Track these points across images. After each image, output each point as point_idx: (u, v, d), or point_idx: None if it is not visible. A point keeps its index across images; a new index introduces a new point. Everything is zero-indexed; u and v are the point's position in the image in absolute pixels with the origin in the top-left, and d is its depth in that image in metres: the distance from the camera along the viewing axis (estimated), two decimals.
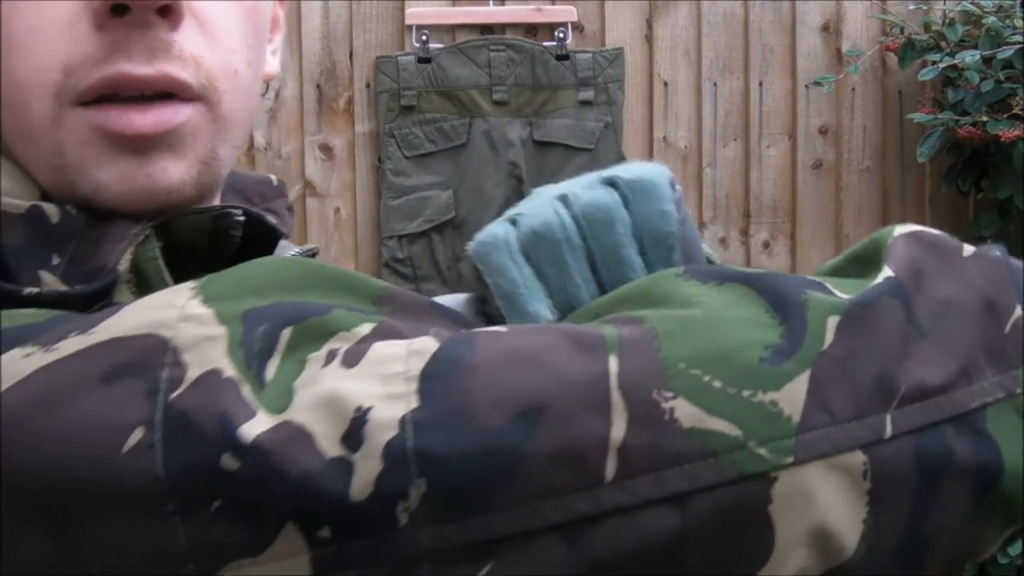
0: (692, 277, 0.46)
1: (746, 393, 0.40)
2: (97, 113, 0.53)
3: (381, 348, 0.42)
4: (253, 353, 0.42)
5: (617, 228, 0.51)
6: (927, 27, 2.69)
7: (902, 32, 2.71)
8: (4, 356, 0.42)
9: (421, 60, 2.68)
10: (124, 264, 0.52)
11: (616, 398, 0.40)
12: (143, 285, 0.53)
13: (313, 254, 0.66)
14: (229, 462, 0.39)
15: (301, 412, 0.40)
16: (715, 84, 2.80)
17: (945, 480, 0.42)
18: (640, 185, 0.52)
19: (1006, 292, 0.47)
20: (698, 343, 0.41)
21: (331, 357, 0.42)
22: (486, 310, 0.53)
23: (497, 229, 0.53)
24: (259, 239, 0.59)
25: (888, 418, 0.42)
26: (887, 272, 0.45)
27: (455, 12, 2.74)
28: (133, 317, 0.43)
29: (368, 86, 2.70)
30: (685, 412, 0.40)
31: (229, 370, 0.41)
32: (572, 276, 0.51)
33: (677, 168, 2.81)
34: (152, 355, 0.41)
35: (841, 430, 0.41)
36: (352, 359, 0.42)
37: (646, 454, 0.40)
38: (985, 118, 2.55)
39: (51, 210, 0.54)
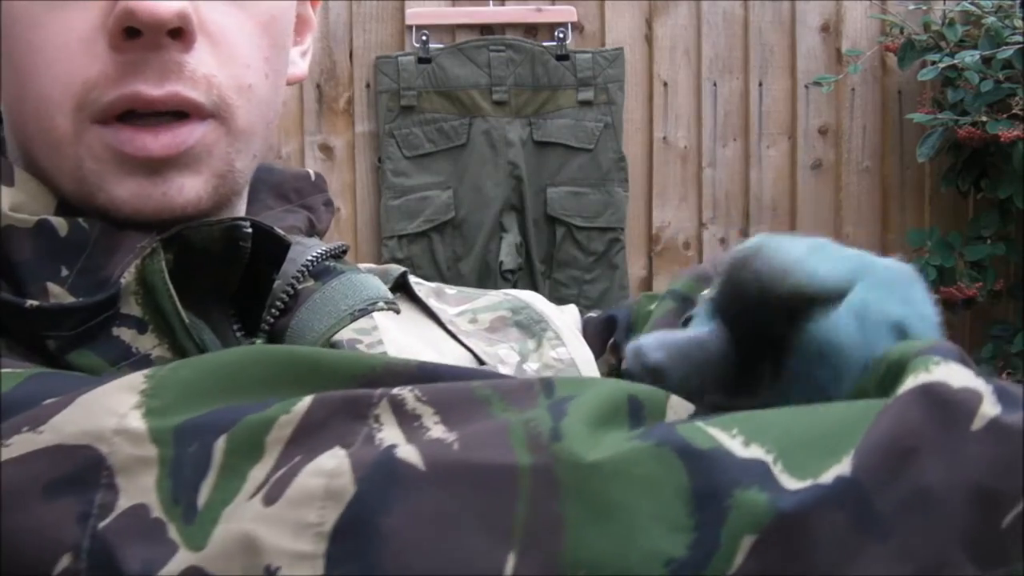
0: (634, 429, 0.44)
1: None
2: (112, 133, 0.55)
3: (302, 483, 0.42)
4: (182, 481, 0.43)
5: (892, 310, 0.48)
6: (927, 27, 2.69)
7: (902, 32, 2.71)
8: None
9: (421, 60, 2.68)
10: (128, 277, 0.54)
11: None
12: (149, 297, 0.54)
13: (344, 251, 0.66)
14: None
15: (215, 559, 0.41)
16: (715, 84, 2.80)
17: None
18: (899, 275, 0.50)
19: (1013, 477, 0.40)
20: (600, 549, 0.40)
21: (260, 476, 0.42)
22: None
23: None
24: (271, 248, 0.60)
25: None
26: (842, 468, 0.40)
27: (455, 12, 2.74)
28: (78, 419, 0.44)
29: (368, 86, 2.71)
30: None
31: (156, 509, 0.42)
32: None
33: (677, 168, 2.81)
34: (88, 472, 0.43)
35: None
36: (274, 493, 0.42)
37: None
38: (985, 118, 2.55)
39: (60, 223, 0.55)
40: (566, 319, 0.74)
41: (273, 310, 0.61)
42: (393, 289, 0.67)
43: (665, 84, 2.79)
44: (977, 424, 0.41)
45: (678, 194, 2.82)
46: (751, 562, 0.39)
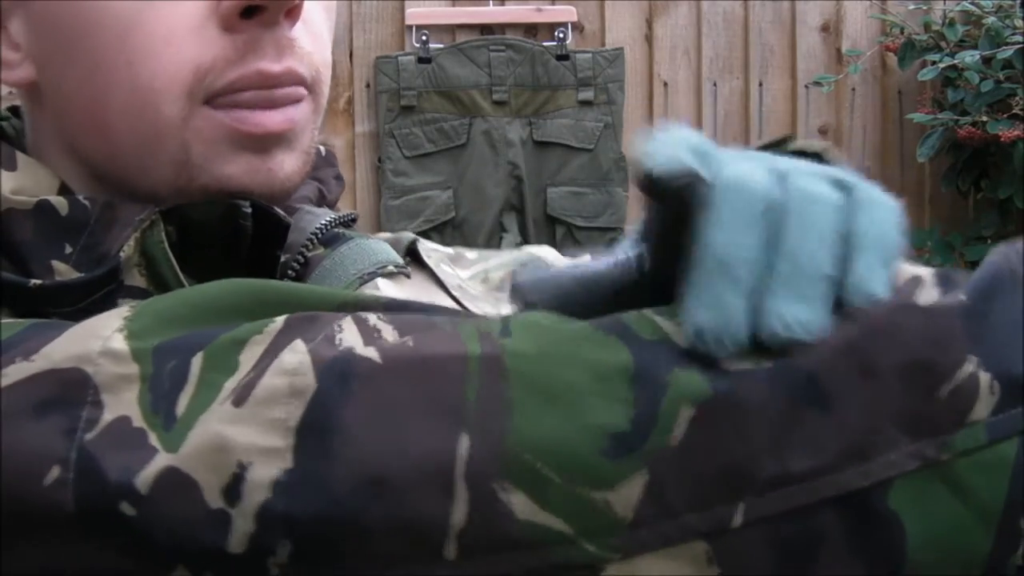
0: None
1: (579, 490, 0.42)
2: (229, 115, 0.57)
3: (268, 383, 0.44)
4: (162, 393, 0.45)
5: (828, 216, 0.46)
6: (927, 27, 2.69)
7: (902, 32, 2.71)
8: None
9: (421, 60, 2.68)
10: (128, 250, 0.56)
11: (459, 485, 0.42)
12: (152, 269, 0.56)
13: (353, 219, 0.68)
14: (126, 508, 0.43)
15: (189, 459, 0.43)
16: (715, 84, 2.80)
17: (820, 555, 0.42)
18: (876, 201, 0.48)
19: (949, 349, 0.42)
20: (547, 426, 0.42)
21: (232, 385, 0.45)
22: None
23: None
24: (274, 228, 0.62)
25: (739, 507, 0.42)
26: (793, 359, 0.42)
27: (455, 12, 2.74)
28: (66, 345, 0.47)
29: (368, 86, 2.71)
30: (521, 505, 0.42)
31: (138, 419, 0.45)
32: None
33: None
34: (75, 391, 0.46)
35: (676, 524, 0.42)
36: (243, 395, 0.44)
37: (484, 541, 0.42)
38: (985, 118, 2.55)
39: (60, 203, 0.57)
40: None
41: (285, 279, 0.62)
42: (404, 257, 0.69)
43: (665, 84, 2.79)
44: (924, 302, 0.43)
45: None
46: (690, 434, 0.41)
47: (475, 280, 0.73)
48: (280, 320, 0.46)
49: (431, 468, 0.42)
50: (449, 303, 0.68)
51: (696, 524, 0.42)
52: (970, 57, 2.53)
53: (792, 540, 0.42)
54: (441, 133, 2.69)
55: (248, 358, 0.45)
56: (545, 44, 2.72)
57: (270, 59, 0.57)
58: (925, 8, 2.72)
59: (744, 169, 0.44)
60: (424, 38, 2.69)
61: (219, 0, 0.56)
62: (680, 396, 0.42)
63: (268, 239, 0.62)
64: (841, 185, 0.47)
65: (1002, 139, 2.53)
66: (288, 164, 0.60)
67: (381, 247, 0.66)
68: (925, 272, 0.45)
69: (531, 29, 2.75)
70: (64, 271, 0.56)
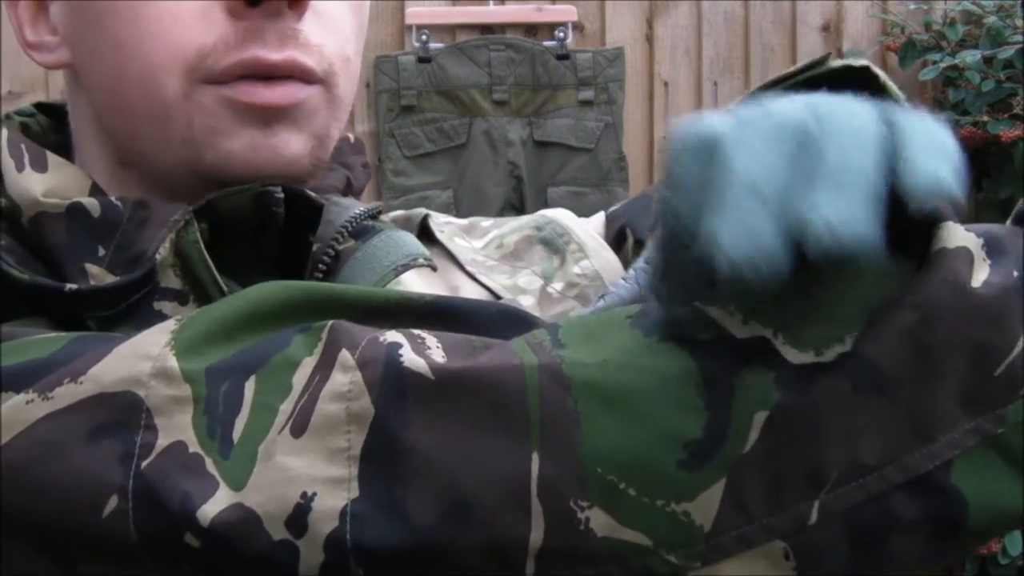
0: (637, 327, 0.45)
1: (659, 503, 0.42)
2: (229, 88, 0.58)
3: (323, 410, 0.44)
4: (216, 417, 0.45)
5: (861, 120, 0.42)
6: (928, 27, 2.69)
7: (903, 32, 2.71)
8: (8, 404, 0.47)
9: (421, 60, 2.67)
10: (163, 251, 0.56)
11: (536, 505, 0.42)
12: (187, 269, 0.56)
13: (379, 211, 0.68)
14: (191, 540, 0.43)
15: (253, 493, 0.43)
16: (715, 84, 2.80)
17: (892, 538, 0.43)
18: (920, 119, 0.45)
19: (1006, 328, 0.43)
20: (619, 436, 0.42)
21: (288, 409, 0.45)
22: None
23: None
24: (305, 212, 0.62)
25: (815, 504, 0.42)
26: (844, 347, 0.42)
27: (455, 12, 2.74)
28: (115, 366, 0.47)
29: (368, 86, 2.70)
30: (600, 522, 0.42)
31: (194, 444, 0.45)
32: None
33: None
34: (128, 415, 0.46)
35: (756, 527, 0.42)
36: (301, 422, 0.44)
37: (563, 557, 0.42)
38: (986, 118, 2.55)
39: (92, 204, 0.57)
40: (589, 227, 0.74)
41: (317, 273, 0.62)
42: (419, 236, 0.69)
43: (666, 84, 2.79)
44: (976, 283, 0.43)
45: None
46: (764, 439, 0.42)
47: (490, 247, 0.73)
48: (325, 334, 0.46)
49: (508, 489, 0.42)
50: (464, 278, 0.68)
51: (775, 525, 0.42)
52: (971, 57, 2.53)
53: (865, 527, 0.43)
54: (441, 133, 2.68)
55: (300, 378, 0.45)
56: (545, 44, 2.72)
57: (270, 48, 0.58)
58: (926, 8, 2.71)
59: (771, 103, 0.42)
60: (424, 38, 2.68)
61: None
62: (751, 401, 0.42)
63: (299, 225, 0.62)
64: (885, 119, 0.43)
65: (1003, 139, 2.52)
66: (294, 144, 0.60)
67: (409, 239, 0.66)
68: (973, 243, 0.44)
69: (531, 29, 2.75)
70: (98, 274, 0.56)
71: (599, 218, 0.77)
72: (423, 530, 0.42)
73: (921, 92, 2.78)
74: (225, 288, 0.56)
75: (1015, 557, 2.54)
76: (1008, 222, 0.48)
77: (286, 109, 0.59)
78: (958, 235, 0.45)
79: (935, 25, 2.67)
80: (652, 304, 0.46)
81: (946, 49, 2.63)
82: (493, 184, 2.68)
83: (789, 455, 0.42)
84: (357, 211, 0.64)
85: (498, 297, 0.67)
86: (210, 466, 0.44)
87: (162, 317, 0.55)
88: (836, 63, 0.54)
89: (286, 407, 0.45)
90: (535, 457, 0.42)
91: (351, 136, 0.73)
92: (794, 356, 0.43)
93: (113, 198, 0.58)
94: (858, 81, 0.53)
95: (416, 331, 0.47)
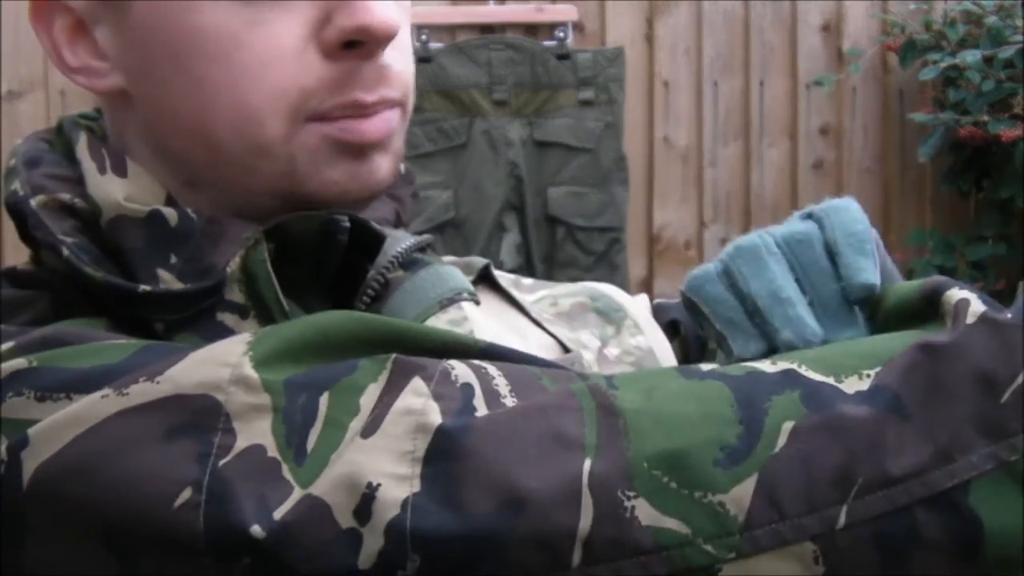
0: (681, 375, 0.51)
1: (697, 494, 0.46)
2: (332, 126, 0.60)
3: (394, 419, 0.48)
4: (294, 427, 0.48)
5: (815, 246, 0.60)
6: (928, 26, 2.69)
7: (903, 31, 2.71)
8: (86, 399, 0.50)
9: (421, 60, 2.67)
10: (233, 266, 0.58)
11: (586, 496, 0.46)
12: (251, 285, 0.58)
13: (429, 244, 0.71)
14: (258, 532, 0.46)
15: (323, 485, 0.46)
16: (715, 84, 2.80)
17: (915, 554, 0.47)
18: (832, 207, 0.61)
19: (1008, 361, 0.48)
20: (663, 441, 0.47)
21: (358, 426, 0.48)
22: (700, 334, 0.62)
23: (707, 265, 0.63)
24: (365, 239, 0.64)
25: (843, 509, 0.46)
26: (875, 382, 0.49)
27: (455, 12, 2.74)
28: (193, 370, 0.49)
29: None
30: (644, 511, 0.46)
31: (272, 449, 0.48)
32: (772, 273, 0.60)
33: (677, 168, 2.80)
34: (207, 418, 0.48)
35: (788, 525, 0.46)
36: (371, 427, 0.48)
37: (608, 546, 0.46)
38: (986, 118, 2.55)
39: (170, 214, 0.60)
40: (639, 305, 0.80)
41: (365, 298, 0.65)
42: (476, 281, 0.73)
43: (666, 84, 2.79)
44: (971, 319, 0.50)
45: (679, 194, 2.81)
46: (794, 444, 0.47)
47: (543, 303, 0.77)
48: (390, 364, 0.50)
49: (560, 483, 0.46)
50: (528, 323, 0.72)
51: (806, 524, 0.46)
52: (971, 56, 2.53)
53: (890, 539, 0.46)
54: (441, 133, 2.68)
55: (368, 401, 0.49)
56: (545, 43, 2.71)
57: (366, 89, 0.60)
58: (926, 7, 2.71)
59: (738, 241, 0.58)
60: (424, 37, 2.68)
61: (321, 28, 0.59)
62: (779, 415, 0.47)
63: (356, 252, 0.64)
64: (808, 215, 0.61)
65: (1003, 139, 2.52)
66: (384, 167, 0.63)
67: (455, 274, 0.69)
68: (973, 296, 0.51)
69: (531, 29, 2.75)
70: (168, 280, 0.58)
71: (645, 301, 0.83)
72: (477, 518, 0.45)
73: (921, 92, 2.78)
74: (285, 305, 0.58)
75: None
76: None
77: (380, 140, 0.62)
78: (959, 293, 0.52)
79: (935, 25, 2.67)
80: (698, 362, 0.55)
81: (946, 49, 2.63)
82: (493, 184, 2.68)
83: (817, 460, 0.46)
84: (409, 243, 0.67)
85: (563, 345, 0.71)
86: (286, 472, 0.47)
87: (224, 328, 0.58)
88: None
89: (355, 425, 0.48)
90: (587, 460, 0.46)
91: (402, 166, 0.74)
92: (816, 376, 0.49)
93: (189, 211, 0.60)
94: None
95: (480, 363, 0.51)
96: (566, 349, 0.71)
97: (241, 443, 0.47)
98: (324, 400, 0.49)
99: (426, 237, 0.70)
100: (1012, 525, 0.47)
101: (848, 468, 0.46)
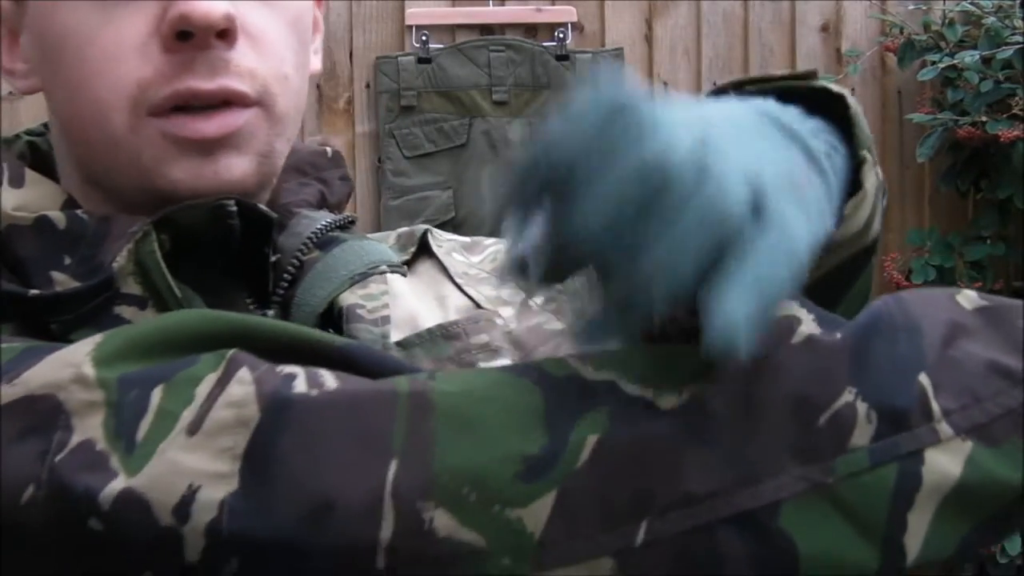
0: (502, 372, 0.52)
1: (496, 508, 0.46)
2: (169, 122, 0.62)
3: (216, 415, 0.49)
4: (124, 420, 0.50)
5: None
6: (927, 27, 2.69)
7: (901, 32, 2.71)
8: None
9: (421, 60, 2.68)
10: (122, 260, 0.59)
11: (388, 506, 0.47)
12: (146, 277, 0.60)
13: (351, 222, 0.71)
14: (95, 524, 0.48)
15: (145, 478, 0.48)
16: (715, 84, 2.80)
17: (722, 574, 0.47)
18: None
19: (827, 383, 0.48)
20: (468, 450, 0.48)
21: (189, 416, 0.50)
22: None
23: None
24: (258, 224, 0.65)
25: (642, 527, 0.46)
26: (689, 399, 0.48)
27: (455, 12, 2.74)
28: (43, 372, 0.52)
29: (368, 86, 2.71)
30: (443, 523, 0.46)
31: (101, 441, 0.49)
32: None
33: None
34: (50, 417, 0.50)
35: (584, 541, 0.46)
36: (197, 421, 0.49)
37: (409, 556, 0.46)
38: (984, 118, 2.55)
39: (58, 217, 0.61)
40: None
41: (282, 282, 0.66)
42: (419, 251, 0.74)
43: (665, 84, 2.79)
44: (796, 340, 0.49)
45: None
46: (595, 461, 0.47)
47: (485, 261, 0.76)
48: (228, 355, 0.51)
49: (362, 491, 0.47)
50: (452, 289, 0.72)
51: (603, 542, 0.46)
52: (970, 57, 2.54)
53: (694, 558, 0.46)
54: (441, 133, 2.69)
55: (202, 391, 0.50)
56: (545, 44, 2.72)
57: (201, 77, 0.61)
58: (925, 8, 2.72)
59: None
60: (424, 38, 2.69)
61: (160, 22, 0.61)
62: (586, 431, 0.47)
63: (258, 236, 0.65)
64: (757, 207, 0.47)
65: (1002, 139, 2.53)
66: (237, 167, 0.63)
67: (374, 248, 0.69)
68: (804, 314, 0.50)
69: (531, 29, 2.75)
70: (63, 281, 0.60)
71: None
72: (285, 525, 0.47)
73: (920, 92, 2.79)
74: (179, 294, 0.60)
75: (1014, 557, 2.54)
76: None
77: (225, 138, 0.62)
78: (790, 308, 0.50)
79: (934, 25, 2.68)
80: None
81: (945, 49, 2.63)
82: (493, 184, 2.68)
83: (618, 478, 0.47)
84: (324, 222, 0.68)
85: (479, 306, 0.71)
86: (114, 462, 0.49)
87: (122, 321, 0.59)
88: (818, 83, 0.57)
89: (187, 414, 0.49)
90: (393, 464, 0.47)
91: (329, 149, 0.76)
92: (632, 391, 0.48)
93: (80, 212, 0.62)
94: (830, 102, 0.57)
95: (318, 369, 0.51)
96: (479, 308, 0.71)
97: (75, 439, 0.49)
98: (158, 392, 0.50)
99: (345, 216, 0.71)
100: (830, 550, 0.46)
101: (649, 487, 0.46)
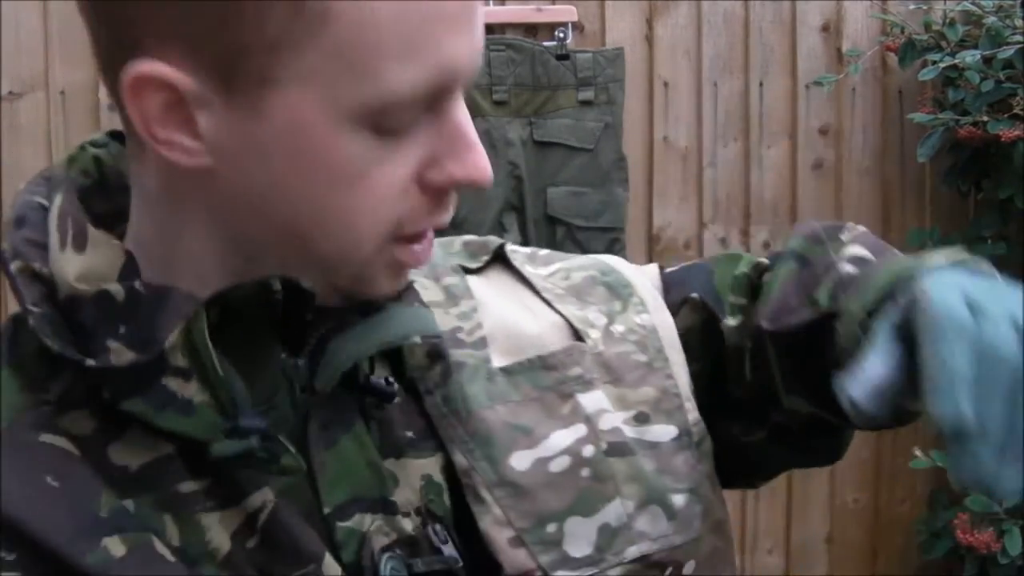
0: None
1: None
2: (405, 250, 0.66)
3: None
4: None
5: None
6: (927, 27, 2.69)
7: (902, 32, 2.71)
8: None
9: None
10: (173, 340, 0.61)
11: None
12: (193, 353, 0.62)
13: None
14: None
15: None
16: (715, 84, 2.80)
17: None
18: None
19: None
20: None
21: None
22: None
23: None
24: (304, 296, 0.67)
25: None
26: None
27: None
28: None
29: None
30: None
31: None
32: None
33: (677, 168, 2.81)
34: None
35: None
36: None
37: None
38: (985, 118, 2.55)
39: (117, 291, 0.63)
40: (646, 282, 0.83)
41: (314, 335, 0.68)
42: (492, 260, 0.80)
43: (665, 84, 2.79)
44: None
45: (678, 194, 2.81)
46: None
47: (556, 276, 0.81)
48: None
49: None
50: (539, 302, 0.78)
51: None
52: (971, 57, 2.53)
53: None
54: None
55: None
56: (545, 44, 2.72)
57: (447, 213, 0.66)
58: (926, 8, 2.71)
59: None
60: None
61: (427, 166, 0.63)
62: None
63: (300, 300, 0.66)
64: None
65: (1003, 139, 2.52)
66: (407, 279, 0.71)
67: (415, 315, 0.71)
68: None
69: (531, 29, 2.75)
70: (117, 349, 0.62)
71: (654, 272, 0.85)
72: None
73: (921, 92, 2.79)
74: (221, 373, 0.62)
75: (1015, 557, 2.54)
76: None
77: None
78: None
79: (935, 25, 2.67)
80: None
81: (946, 49, 2.63)
82: (493, 184, 2.67)
83: None
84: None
85: (573, 326, 0.76)
86: None
87: (167, 391, 0.62)
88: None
89: None
90: None
91: None
92: None
93: (137, 284, 0.63)
94: None
95: None
96: (574, 328, 0.76)
97: None
98: None
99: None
100: None
101: None
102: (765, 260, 0.83)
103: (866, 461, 2.92)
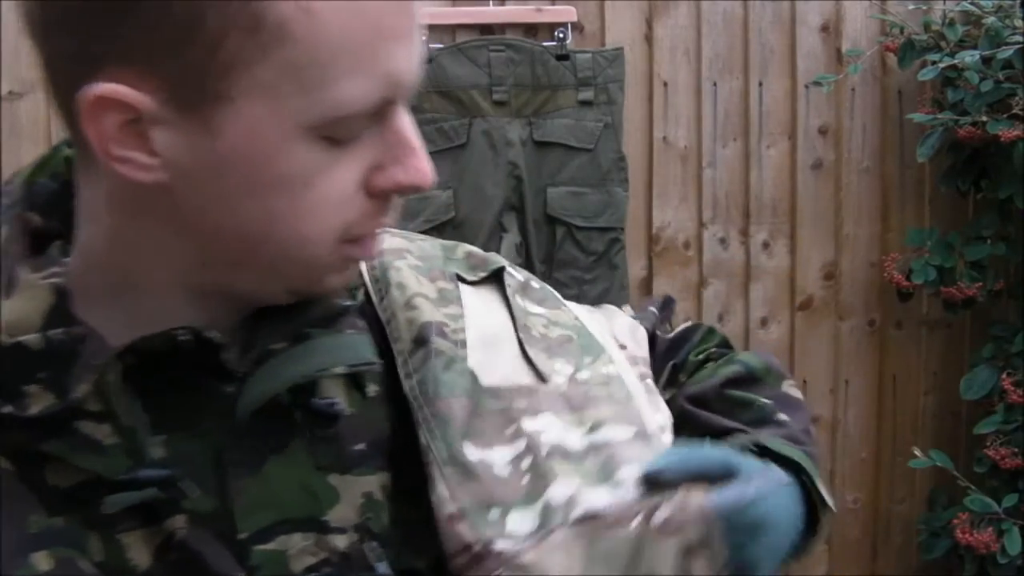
0: None
1: None
2: (356, 248, 0.69)
3: None
4: None
5: None
6: (927, 27, 2.69)
7: (902, 32, 2.71)
8: None
9: None
10: (83, 391, 0.64)
11: None
12: (106, 401, 0.65)
13: (345, 308, 0.79)
14: None
15: None
16: (715, 84, 2.80)
17: None
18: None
19: None
20: None
21: None
22: None
23: None
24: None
25: None
26: None
27: (455, 12, 2.74)
28: None
29: None
30: None
31: None
32: None
33: (676, 168, 2.81)
34: None
35: None
36: None
37: None
38: (985, 118, 2.55)
39: (34, 341, 0.64)
40: (621, 359, 0.87)
41: (240, 370, 0.70)
42: (488, 278, 0.84)
43: (665, 84, 2.79)
44: None
45: (678, 194, 2.82)
46: None
47: (539, 321, 0.84)
48: None
49: None
50: (513, 339, 0.81)
51: None
52: (970, 57, 2.53)
53: None
54: (441, 133, 2.68)
55: None
56: (545, 44, 2.72)
57: (391, 214, 0.70)
58: (925, 8, 2.72)
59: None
60: (424, 38, 2.68)
61: (373, 172, 0.67)
62: None
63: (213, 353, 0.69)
64: None
65: (1002, 139, 2.53)
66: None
67: (343, 344, 0.74)
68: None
69: (531, 29, 2.75)
70: (35, 392, 0.64)
71: (643, 335, 0.95)
72: None
73: (920, 92, 2.79)
74: (130, 418, 0.65)
75: (1014, 557, 2.54)
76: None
77: None
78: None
79: (934, 25, 2.68)
80: None
81: (945, 49, 2.63)
82: (493, 184, 2.68)
83: None
84: (301, 318, 0.73)
85: (537, 370, 0.79)
86: None
87: (81, 434, 0.64)
88: (782, 450, 0.85)
89: None
90: None
91: None
92: None
93: (59, 332, 0.64)
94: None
95: None
96: (538, 372, 0.79)
97: None
98: None
99: (337, 304, 0.75)
100: None
101: None
102: (725, 351, 0.95)
103: (866, 461, 2.92)
